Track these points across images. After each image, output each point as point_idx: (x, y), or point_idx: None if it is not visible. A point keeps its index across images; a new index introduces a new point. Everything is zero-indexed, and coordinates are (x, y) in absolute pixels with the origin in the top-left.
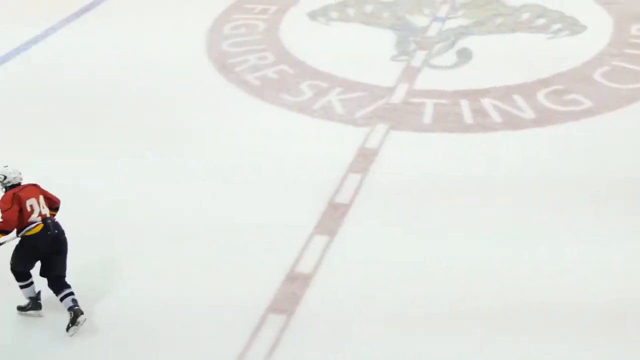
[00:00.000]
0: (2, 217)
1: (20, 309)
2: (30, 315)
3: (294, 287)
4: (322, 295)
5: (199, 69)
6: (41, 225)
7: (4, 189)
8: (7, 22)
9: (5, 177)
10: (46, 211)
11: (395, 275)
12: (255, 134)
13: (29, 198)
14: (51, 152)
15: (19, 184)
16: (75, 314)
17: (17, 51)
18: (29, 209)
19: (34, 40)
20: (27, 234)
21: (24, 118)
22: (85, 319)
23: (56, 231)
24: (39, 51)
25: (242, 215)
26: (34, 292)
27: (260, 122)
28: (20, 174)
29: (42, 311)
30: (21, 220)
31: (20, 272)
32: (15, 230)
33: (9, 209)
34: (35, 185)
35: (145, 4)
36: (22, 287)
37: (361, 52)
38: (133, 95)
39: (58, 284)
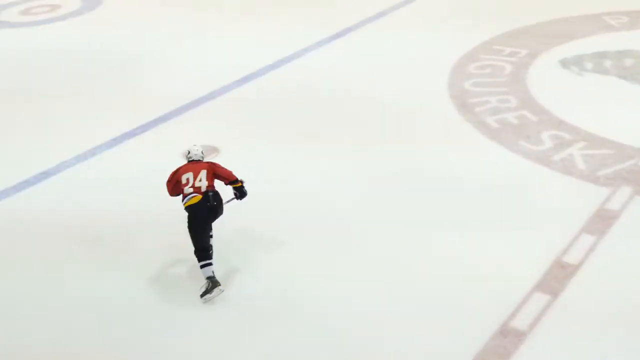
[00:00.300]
0: None
1: (204, 293)
2: (214, 295)
3: (505, 341)
4: (536, 355)
5: (438, 104)
6: (199, 197)
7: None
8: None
9: (188, 152)
10: (201, 184)
11: None
12: (487, 176)
13: (186, 172)
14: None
15: (198, 161)
16: (213, 284)
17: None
18: (183, 181)
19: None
20: (185, 204)
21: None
22: (222, 291)
23: (215, 203)
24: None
25: (464, 254)
26: (208, 284)
27: (493, 166)
28: (202, 153)
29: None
30: (177, 190)
31: (201, 248)
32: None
33: (169, 180)
34: (207, 162)
35: (399, 31)
36: (203, 266)
37: (613, 108)
38: (370, 118)
39: (207, 250)
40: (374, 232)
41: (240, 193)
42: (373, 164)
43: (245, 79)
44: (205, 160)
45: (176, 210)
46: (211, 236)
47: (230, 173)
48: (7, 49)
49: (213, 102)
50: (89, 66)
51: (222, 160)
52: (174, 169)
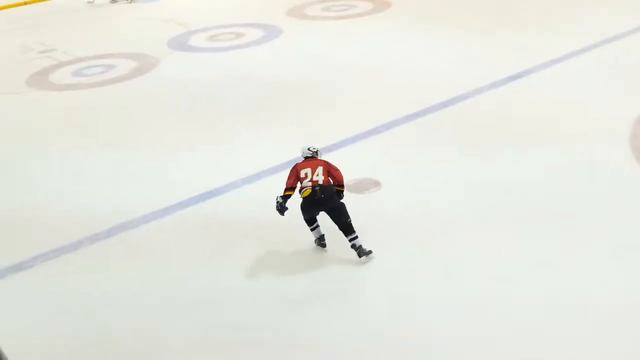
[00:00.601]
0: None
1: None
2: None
3: None
4: None
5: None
6: (309, 191)
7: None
8: None
9: (307, 150)
10: (319, 179)
11: None
12: None
13: (304, 168)
14: None
15: (312, 157)
16: (360, 252)
17: None
18: (302, 175)
19: None
20: (301, 195)
21: None
22: (372, 257)
23: (322, 195)
24: None
25: None
26: (319, 234)
27: None
28: (310, 151)
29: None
30: (295, 183)
31: (306, 220)
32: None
33: (289, 176)
34: (321, 161)
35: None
36: (310, 229)
37: None
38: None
39: (344, 230)
40: None
41: (338, 197)
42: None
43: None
44: (318, 156)
45: None
46: (349, 219)
47: (341, 178)
48: (195, 71)
49: (393, 130)
50: (270, 91)
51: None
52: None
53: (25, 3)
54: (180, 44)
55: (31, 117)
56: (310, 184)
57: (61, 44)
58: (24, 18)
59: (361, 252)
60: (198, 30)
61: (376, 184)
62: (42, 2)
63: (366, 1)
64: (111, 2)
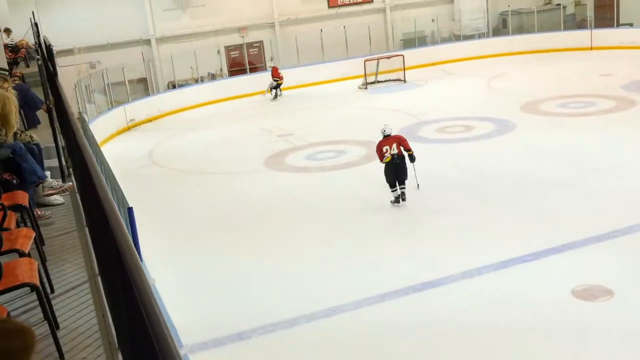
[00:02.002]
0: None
1: (392, 202)
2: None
3: None
4: None
5: None
6: (389, 158)
7: (382, 137)
8: None
9: (384, 130)
10: (395, 151)
11: None
12: None
13: (385, 144)
14: None
15: (389, 135)
16: (397, 198)
17: None
18: (384, 150)
19: None
20: (384, 161)
21: None
22: (401, 204)
23: (398, 161)
24: None
25: None
26: (397, 194)
27: None
28: (389, 128)
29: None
30: (382, 154)
31: (388, 183)
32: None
33: (377, 150)
34: (396, 136)
35: None
36: (391, 191)
37: None
38: None
39: (399, 181)
40: None
41: (410, 157)
42: None
43: None
44: (393, 134)
45: None
46: (405, 181)
47: (408, 145)
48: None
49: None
50: (488, 186)
51: None
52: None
53: (270, 91)
54: (409, 134)
55: (267, 194)
56: (389, 155)
57: (297, 129)
58: (266, 104)
59: (403, 197)
60: (428, 122)
61: (608, 292)
62: (289, 90)
63: (608, 99)
64: (359, 88)
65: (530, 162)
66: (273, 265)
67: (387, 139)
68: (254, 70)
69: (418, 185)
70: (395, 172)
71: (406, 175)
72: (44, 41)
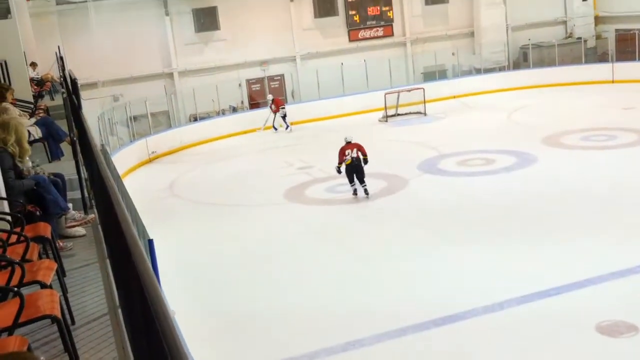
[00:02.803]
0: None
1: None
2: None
3: None
4: None
5: None
6: (349, 161)
7: (345, 143)
8: None
9: (346, 138)
10: (354, 155)
11: None
12: None
13: (347, 149)
14: None
15: (350, 142)
16: (355, 191)
17: None
18: (346, 154)
19: None
20: (345, 164)
21: None
22: (368, 196)
23: (356, 163)
24: None
25: None
26: (354, 188)
27: None
28: (351, 137)
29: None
30: (342, 158)
31: (348, 179)
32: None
33: (340, 153)
34: (356, 143)
35: None
36: (350, 186)
37: None
38: None
39: (360, 180)
40: None
41: (364, 161)
42: None
43: None
44: (353, 142)
45: None
46: (364, 179)
47: (365, 151)
48: (442, 193)
49: None
50: (510, 219)
51: None
52: None
53: (292, 124)
54: (430, 166)
55: (286, 227)
56: (350, 158)
57: (318, 161)
58: (286, 137)
59: (367, 191)
60: (449, 154)
61: (633, 328)
62: (305, 123)
63: (630, 132)
64: (379, 121)
65: (552, 195)
66: (293, 298)
67: (349, 145)
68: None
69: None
70: (355, 172)
71: (364, 175)
72: (69, 75)
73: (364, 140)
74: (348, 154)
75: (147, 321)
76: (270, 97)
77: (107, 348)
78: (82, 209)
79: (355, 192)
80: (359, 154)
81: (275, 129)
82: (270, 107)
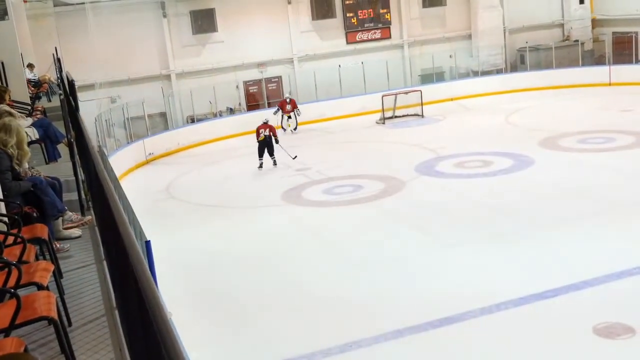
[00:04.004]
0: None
1: (259, 167)
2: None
3: None
4: None
5: None
6: (263, 137)
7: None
8: None
9: (265, 120)
10: (267, 133)
11: None
12: None
13: (262, 129)
14: None
15: (266, 122)
16: (261, 165)
17: None
18: (260, 132)
19: None
20: (258, 140)
21: None
22: (274, 167)
23: (268, 140)
24: None
25: None
26: (261, 162)
27: None
28: (267, 119)
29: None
30: (259, 134)
31: (259, 154)
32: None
33: (256, 131)
34: (269, 125)
35: None
36: (259, 159)
37: None
38: None
39: (270, 155)
40: None
41: (275, 140)
42: None
43: None
44: (269, 123)
45: None
46: (274, 153)
47: (276, 133)
48: (439, 196)
49: None
50: (506, 221)
51: None
52: None
53: (289, 125)
54: (427, 168)
55: (284, 228)
56: (263, 136)
57: (315, 163)
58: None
59: (275, 163)
60: (446, 156)
61: (630, 330)
62: (304, 125)
63: (628, 135)
64: (377, 123)
65: (549, 197)
66: (290, 300)
67: (264, 125)
68: (272, 105)
69: (295, 157)
70: (266, 147)
71: (273, 150)
72: (67, 76)
73: (361, 142)
74: (262, 133)
75: (144, 323)
76: (288, 95)
77: (103, 350)
78: (79, 211)
79: (261, 166)
80: (271, 133)
81: (284, 129)
82: (285, 107)
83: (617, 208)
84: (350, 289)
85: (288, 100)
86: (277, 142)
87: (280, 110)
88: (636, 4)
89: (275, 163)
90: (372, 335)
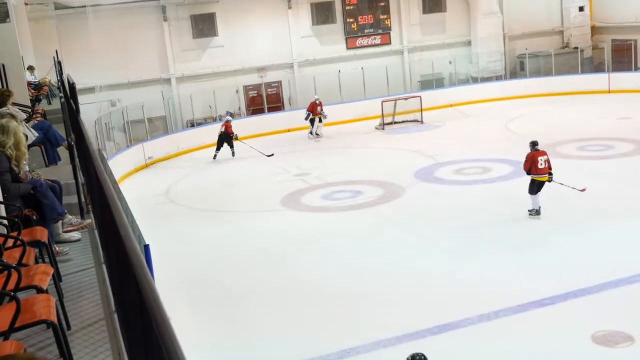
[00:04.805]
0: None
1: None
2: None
3: None
4: None
5: None
6: (220, 133)
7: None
8: None
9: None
10: (229, 131)
11: None
12: None
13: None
14: None
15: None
16: (231, 154)
17: None
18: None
19: None
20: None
21: None
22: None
23: (229, 135)
24: None
25: None
26: (215, 155)
27: None
28: (227, 114)
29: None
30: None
31: (217, 146)
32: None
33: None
34: (230, 125)
35: None
36: (217, 151)
37: None
38: None
39: (230, 146)
40: None
41: (235, 137)
42: None
43: None
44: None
45: None
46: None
47: (232, 130)
48: (438, 202)
49: None
50: (505, 228)
51: None
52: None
53: (289, 130)
54: (426, 174)
55: (282, 233)
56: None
57: (314, 168)
58: (287, 143)
59: (234, 154)
60: (445, 163)
61: (629, 338)
62: (303, 130)
63: (627, 142)
64: (376, 129)
65: (548, 204)
66: (289, 306)
67: (225, 123)
68: (272, 109)
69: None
70: (226, 140)
71: (232, 143)
72: (68, 79)
73: (360, 147)
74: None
75: (144, 327)
76: (317, 97)
77: (102, 354)
78: (78, 214)
79: (215, 157)
80: (232, 130)
81: (317, 135)
82: (316, 109)
83: (616, 215)
84: (348, 295)
85: (318, 101)
86: (236, 138)
87: (312, 114)
88: (635, 12)
89: (233, 155)
90: (370, 341)
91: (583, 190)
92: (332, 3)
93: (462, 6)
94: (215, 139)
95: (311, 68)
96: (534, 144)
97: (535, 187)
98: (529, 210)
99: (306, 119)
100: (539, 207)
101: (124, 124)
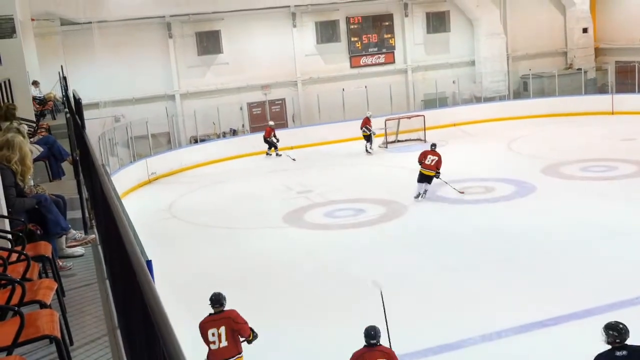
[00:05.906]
0: None
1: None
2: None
3: None
4: None
5: None
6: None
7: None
8: None
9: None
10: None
11: None
12: None
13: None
14: None
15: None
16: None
17: None
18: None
19: None
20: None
21: None
22: None
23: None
24: None
25: None
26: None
27: None
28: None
29: None
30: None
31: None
32: None
33: None
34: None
35: None
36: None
37: None
38: None
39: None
40: None
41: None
42: None
43: None
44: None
45: None
46: None
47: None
48: (441, 220)
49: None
50: (508, 248)
51: None
52: None
53: (292, 148)
54: (429, 193)
55: (285, 251)
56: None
57: (317, 186)
58: (290, 160)
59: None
60: (448, 182)
61: None
62: (310, 147)
63: (630, 163)
64: (379, 147)
65: (550, 225)
66: (290, 322)
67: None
68: (275, 127)
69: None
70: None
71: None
72: (74, 94)
73: (363, 165)
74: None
75: (149, 343)
76: (369, 113)
77: None
78: (82, 229)
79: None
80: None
81: (372, 149)
82: (367, 127)
83: (618, 236)
84: (350, 312)
85: (371, 117)
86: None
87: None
88: (639, 33)
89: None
90: None
91: (462, 192)
92: (336, 22)
93: (466, 26)
94: (221, 155)
95: (315, 86)
96: (433, 145)
97: (420, 177)
98: (414, 197)
99: (371, 135)
100: (420, 193)
101: (127, 140)
